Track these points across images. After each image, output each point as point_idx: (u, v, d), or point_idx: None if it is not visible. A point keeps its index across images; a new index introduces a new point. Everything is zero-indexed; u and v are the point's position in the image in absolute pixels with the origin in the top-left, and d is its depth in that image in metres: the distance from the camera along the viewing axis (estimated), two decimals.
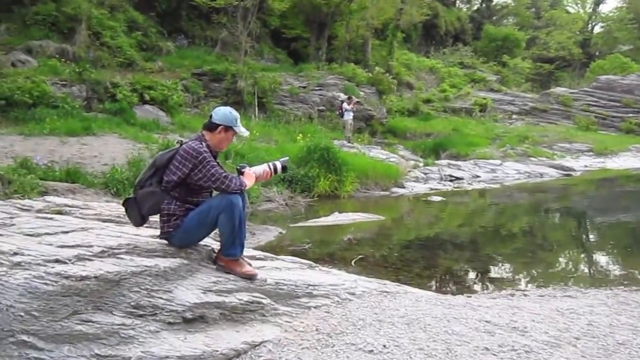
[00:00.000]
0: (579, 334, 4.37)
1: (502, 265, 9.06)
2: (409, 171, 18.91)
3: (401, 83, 34.04)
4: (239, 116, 4.63)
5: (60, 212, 5.94)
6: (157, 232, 4.64)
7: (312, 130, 20.92)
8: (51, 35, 21.63)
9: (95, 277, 3.55)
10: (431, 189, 17.28)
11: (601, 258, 9.67)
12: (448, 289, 7.30)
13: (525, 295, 6.13)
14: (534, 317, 4.75)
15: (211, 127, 4.50)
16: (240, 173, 4.66)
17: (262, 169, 4.83)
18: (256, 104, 23.01)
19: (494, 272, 8.57)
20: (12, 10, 21.48)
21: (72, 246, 3.93)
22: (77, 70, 18.51)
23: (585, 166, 25.45)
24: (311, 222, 11.41)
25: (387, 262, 8.50)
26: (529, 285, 7.49)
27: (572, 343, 4.16)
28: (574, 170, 23.25)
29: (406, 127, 28.91)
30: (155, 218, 4.67)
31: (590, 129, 34.96)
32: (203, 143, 4.45)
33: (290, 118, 23.21)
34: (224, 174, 4.37)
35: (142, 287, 3.77)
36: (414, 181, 17.97)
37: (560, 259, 9.55)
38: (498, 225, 12.64)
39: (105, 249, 3.99)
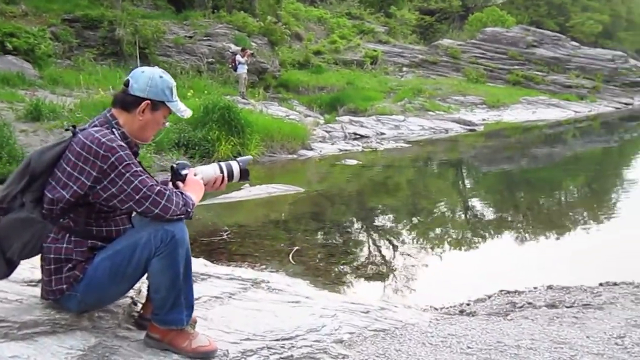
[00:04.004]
0: None
1: (463, 244, 7.82)
2: (313, 130, 17.35)
3: (290, 34, 32.17)
4: (174, 84, 2.78)
5: None
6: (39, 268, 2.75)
7: (202, 85, 18.96)
8: None
9: None
10: (340, 150, 15.88)
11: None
12: (432, 294, 5.81)
13: (535, 307, 4.80)
14: None
15: (128, 103, 2.65)
16: (178, 178, 2.85)
17: (211, 171, 2.97)
18: (137, 55, 20.40)
19: (461, 256, 7.33)
20: None
21: None
22: None
23: (483, 120, 25.11)
24: (220, 199, 9.61)
25: (331, 254, 6.94)
26: (509, 279, 6.19)
27: None
28: (476, 125, 22.70)
29: (299, 80, 27.23)
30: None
31: (479, 81, 35.01)
32: (115, 131, 2.60)
33: (177, 71, 20.75)
34: (157, 188, 2.55)
35: None
36: (320, 142, 16.47)
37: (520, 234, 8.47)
38: (433, 192, 11.49)
39: None
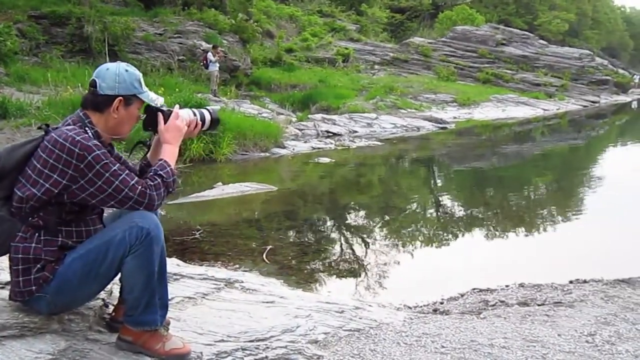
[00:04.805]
0: None
1: (435, 242, 7.86)
2: (286, 128, 17.31)
3: (262, 31, 32.06)
4: (141, 74, 2.74)
5: None
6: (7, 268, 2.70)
7: (173, 82, 18.75)
8: None
9: None
10: (313, 148, 15.86)
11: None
12: (405, 293, 5.79)
13: (507, 305, 4.84)
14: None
15: (99, 103, 2.60)
16: (163, 114, 2.77)
17: (186, 115, 2.88)
18: (107, 52, 20.13)
19: (433, 254, 7.38)
20: None
21: None
22: None
23: (455, 117, 25.36)
24: (193, 198, 9.54)
25: (305, 253, 6.92)
26: (481, 277, 6.23)
27: None
28: (448, 123, 22.88)
29: (271, 78, 27.14)
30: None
31: (450, 79, 35.34)
32: (89, 130, 2.55)
33: (147, 69, 20.53)
34: (139, 189, 2.52)
35: None
36: (293, 140, 16.44)
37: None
38: (406, 189, 11.54)
39: None
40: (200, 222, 8.16)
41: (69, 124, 2.56)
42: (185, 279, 4.20)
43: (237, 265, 6.17)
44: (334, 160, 13.99)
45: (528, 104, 31.94)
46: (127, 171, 2.55)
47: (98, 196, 2.48)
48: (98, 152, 2.46)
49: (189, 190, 10.06)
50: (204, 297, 3.91)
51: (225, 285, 4.28)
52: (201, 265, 5.65)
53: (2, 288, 2.86)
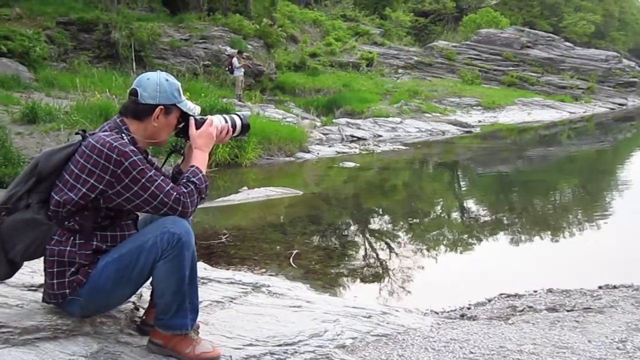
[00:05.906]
0: None
1: (461, 247, 7.81)
2: (311, 133, 17.34)
3: (286, 36, 32.19)
4: (180, 84, 2.78)
5: None
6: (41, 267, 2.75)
7: (198, 87, 18.87)
8: None
9: None
10: (338, 153, 15.87)
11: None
12: (432, 298, 5.78)
13: (536, 311, 4.79)
14: None
15: (140, 112, 2.65)
16: (196, 122, 2.81)
17: (217, 122, 2.91)
18: (133, 58, 20.39)
19: (460, 259, 7.33)
20: None
21: None
22: None
23: (480, 121, 25.18)
24: (219, 202, 9.60)
25: (330, 257, 6.93)
26: (509, 283, 6.18)
27: None
28: (473, 127, 22.74)
29: (295, 82, 27.24)
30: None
31: (475, 82, 35.14)
32: (125, 137, 2.59)
33: (173, 74, 20.37)
34: (174, 195, 2.56)
35: None
36: (318, 144, 16.47)
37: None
38: (431, 194, 11.48)
39: None
40: (227, 226, 8.20)
41: (105, 130, 2.62)
42: (212, 283, 4.24)
43: (264, 270, 6.20)
44: (358, 165, 14.00)
45: (554, 107, 31.61)
46: (162, 177, 2.58)
47: (134, 201, 2.52)
48: (135, 158, 2.50)
49: (214, 195, 10.10)
50: (231, 301, 3.93)
51: (252, 289, 4.30)
52: (228, 269, 5.70)
53: (36, 290, 2.91)
